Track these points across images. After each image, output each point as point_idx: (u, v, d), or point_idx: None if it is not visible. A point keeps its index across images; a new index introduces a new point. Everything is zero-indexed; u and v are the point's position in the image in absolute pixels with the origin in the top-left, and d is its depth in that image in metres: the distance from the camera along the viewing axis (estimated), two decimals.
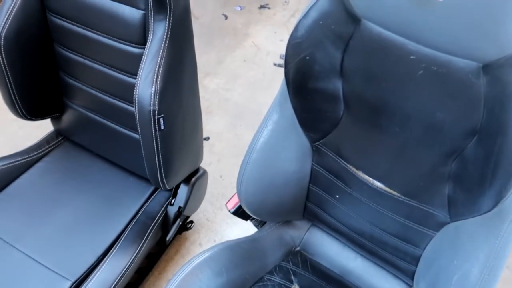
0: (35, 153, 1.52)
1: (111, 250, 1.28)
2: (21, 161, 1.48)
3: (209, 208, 1.83)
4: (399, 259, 1.09)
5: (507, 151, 0.73)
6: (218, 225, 1.79)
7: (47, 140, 1.57)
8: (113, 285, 1.22)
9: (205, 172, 1.55)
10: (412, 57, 0.75)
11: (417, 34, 0.73)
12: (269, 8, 2.95)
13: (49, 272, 1.23)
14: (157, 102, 1.10)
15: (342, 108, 0.95)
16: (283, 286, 1.17)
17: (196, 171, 1.50)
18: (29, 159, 1.50)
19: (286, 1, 3.00)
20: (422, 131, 0.85)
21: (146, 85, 1.09)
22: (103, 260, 1.26)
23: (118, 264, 1.26)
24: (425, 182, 0.93)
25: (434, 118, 0.81)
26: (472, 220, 0.87)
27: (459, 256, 0.87)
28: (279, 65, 2.51)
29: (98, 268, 1.24)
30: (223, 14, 2.88)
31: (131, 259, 1.28)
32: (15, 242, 1.28)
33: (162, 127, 1.14)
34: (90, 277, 1.21)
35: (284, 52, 2.53)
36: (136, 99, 1.11)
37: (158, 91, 1.10)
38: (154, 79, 1.09)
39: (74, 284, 1.22)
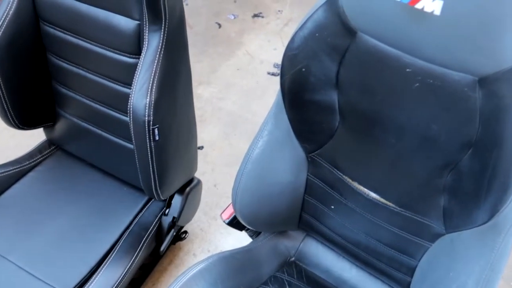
0: (27, 162, 1.51)
1: (105, 261, 1.27)
2: (13, 171, 1.47)
3: (203, 218, 1.82)
4: (394, 270, 1.09)
5: (502, 164, 0.73)
6: (212, 235, 1.78)
7: (39, 149, 1.56)
8: None
9: (199, 182, 1.54)
10: (408, 69, 0.75)
11: (413, 47, 0.73)
12: (262, 17, 2.96)
13: (42, 284, 1.22)
14: (152, 113, 1.10)
15: (338, 120, 0.95)
16: None
17: (190, 181, 1.49)
18: (21, 168, 1.48)
19: (279, 10, 3.01)
20: (417, 143, 0.85)
21: (140, 96, 1.09)
22: (97, 272, 1.24)
23: (112, 275, 1.24)
24: (420, 193, 0.93)
25: (429, 130, 0.81)
26: (467, 232, 0.87)
27: (455, 268, 0.87)
28: (273, 74, 2.51)
29: (91, 279, 1.22)
30: (216, 23, 2.88)
31: (125, 270, 1.27)
32: (7, 253, 1.27)
33: (157, 138, 1.13)
34: None
35: (278, 61, 2.55)
36: (131, 109, 1.11)
37: (153, 102, 1.09)
38: (149, 90, 1.09)
39: None
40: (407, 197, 0.96)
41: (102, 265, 1.26)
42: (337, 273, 1.24)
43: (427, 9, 0.67)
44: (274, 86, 2.43)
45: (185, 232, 1.67)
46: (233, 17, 2.95)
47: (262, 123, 1.06)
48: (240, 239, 1.74)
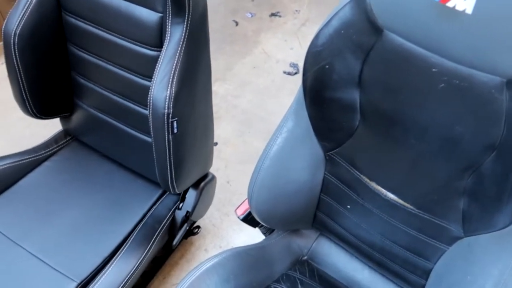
0: (42, 152, 1.52)
1: (118, 253, 1.27)
2: (28, 160, 1.47)
3: (216, 214, 1.82)
4: (409, 272, 1.08)
5: None
6: (224, 231, 1.78)
7: (55, 139, 1.56)
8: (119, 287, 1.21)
9: (214, 177, 1.54)
10: (434, 69, 0.75)
11: (441, 47, 0.72)
12: (280, 16, 2.95)
13: (55, 272, 1.23)
14: (171, 106, 1.10)
15: (358, 119, 0.95)
16: None
17: (205, 176, 1.49)
18: (36, 157, 1.49)
19: (297, 10, 3.00)
20: (439, 144, 0.84)
21: (161, 88, 1.09)
22: (110, 263, 1.25)
23: (125, 267, 1.25)
24: (439, 195, 0.92)
25: (452, 131, 0.81)
26: (486, 235, 0.86)
27: (472, 272, 0.86)
28: (289, 73, 2.51)
29: (104, 270, 1.23)
30: (234, 21, 2.89)
31: (138, 263, 1.27)
32: (21, 240, 1.28)
33: (175, 131, 1.13)
34: (96, 279, 1.21)
35: (294, 61, 2.54)
36: (151, 101, 1.11)
37: (173, 94, 1.09)
38: (170, 82, 1.09)
39: (80, 286, 1.21)
40: (426, 199, 0.95)
41: (115, 256, 1.26)
42: (349, 274, 1.23)
43: (459, 8, 0.66)
44: (289, 86, 2.42)
45: (198, 227, 1.67)
46: (250, 16, 2.95)
47: (281, 120, 1.06)
48: (253, 236, 1.73)
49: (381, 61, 0.82)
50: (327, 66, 0.88)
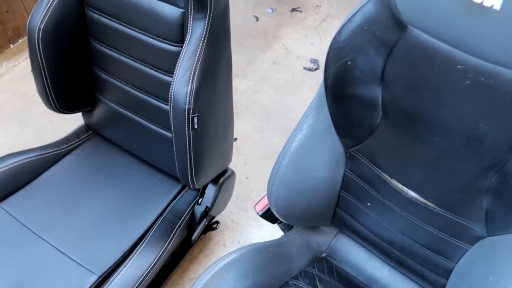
0: (65, 146, 1.53)
1: (138, 247, 1.29)
2: (51, 153, 1.50)
3: (234, 210, 1.83)
4: (429, 271, 1.07)
5: None
6: (243, 227, 1.78)
7: (77, 133, 1.58)
8: (139, 281, 1.22)
9: (233, 173, 1.54)
10: (459, 66, 0.73)
11: (467, 43, 0.71)
12: (300, 11, 2.94)
13: (76, 265, 1.24)
14: (192, 101, 1.10)
15: (380, 116, 0.94)
16: None
17: (225, 171, 1.50)
18: (59, 151, 1.51)
19: (318, 6, 2.98)
20: (463, 142, 0.83)
21: (182, 84, 1.09)
22: (130, 256, 1.26)
23: (145, 261, 1.26)
24: (462, 194, 0.91)
25: (477, 129, 0.79)
26: (510, 235, 0.84)
27: (495, 272, 0.84)
28: (309, 69, 2.50)
29: (124, 264, 1.24)
30: (254, 16, 2.88)
31: (157, 257, 1.28)
32: (43, 233, 1.30)
33: (196, 126, 1.14)
34: (116, 273, 1.22)
35: (314, 57, 2.53)
36: (172, 97, 1.11)
37: (194, 90, 1.09)
38: (191, 78, 1.09)
39: (100, 279, 1.23)
40: (448, 198, 0.94)
41: (135, 250, 1.28)
42: (368, 271, 1.22)
43: (486, 3, 0.65)
44: (310, 81, 2.41)
45: (217, 222, 1.68)
46: (271, 11, 2.95)
47: (302, 116, 1.05)
48: (271, 232, 1.74)
49: (405, 57, 0.81)
50: (349, 63, 0.87)
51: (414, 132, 0.90)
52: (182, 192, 1.46)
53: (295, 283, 1.17)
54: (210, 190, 1.46)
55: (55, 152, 1.51)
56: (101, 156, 1.54)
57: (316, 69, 2.50)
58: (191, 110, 1.11)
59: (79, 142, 1.57)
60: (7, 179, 1.40)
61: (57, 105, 1.43)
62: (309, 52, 2.62)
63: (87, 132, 1.60)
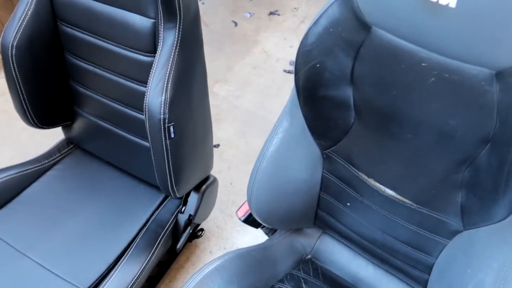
0: (46, 161, 1.53)
1: (122, 259, 1.28)
2: (32, 169, 1.49)
3: (220, 216, 1.83)
4: (411, 267, 1.08)
5: None
6: (229, 233, 1.78)
7: (58, 148, 1.58)
8: None
9: (215, 179, 1.54)
10: (423, 64, 0.74)
11: (429, 41, 0.72)
12: (278, 14, 2.95)
13: (61, 281, 1.24)
14: (167, 111, 1.10)
15: (353, 116, 0.94)
16: None
17: (207, 178, 1.50)
18: (40, 167, 1.51)
19: (295, 8, 3.00)
20: (434, 138, 0.84)
21: (156, 94, 1.09)
22: (114, 269, 1.26)
23: (129, 273, 1.25)
24: (437, 189, 0.92)
25: (446, 125, 0.80)
26: (486, 228, 0.85)
27: (473, 265, 0.86)
28: (289, 72, 2.51)
29: (109, 276, 1.24)
30: (232, 21, 2.89)
31: (142, 268, 1.28)
32: (27, 250, 1.29)
33: (172, 135, 1.14)
34: (101, 286, 1.21)
35: (294, 59, 2.53)
36: (146, 107, 1.11)
37: (168, 99, 1.10)
38: (164, 88, 1.09)
39: None
40: (425, 194, 0.95)
41: (119, 262, 1.27)
42: (353, 271, 1.23)
43: (442, 2, 0.66)
44: (290, 84, 2.41)
45: (202, 229, 1.68)
46: (249, 15, 2.95)
47: (277, 120, 1.06)
48: (257, 237, 1.74)
49: (372, 57, 0.82)
50: (318, 65, 0.88)
51: (387, 130, 0.90)
52: (165, 202, 1.46)
53: (281, 286, 1.18)
54: (193, 198, 1.46)
55: (36, 168, 1.50)
56: (83, 170, 1.53)
57: None
58: (166, 120, 1.11)
59: (60, 157, 1.56)
60: None
61: (35, 121, 1.42)
62: (288, 54, 2.63)
63: (68, 146, 1.59)
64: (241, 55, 2.63)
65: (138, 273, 1.26)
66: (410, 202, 0.98)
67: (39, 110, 1.41)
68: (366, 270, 1.22)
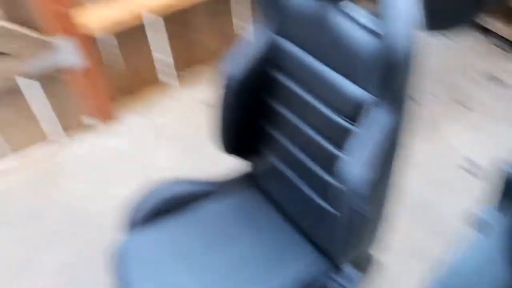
0: (225, 186, 1.63)
1: None
2: (208, 189, 1.60)
3: None
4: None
5: None
6: None
7: (240, 178, 1.67)
8: None
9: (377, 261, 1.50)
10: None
11: None
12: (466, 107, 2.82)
13: None
14: (368, 189, 1.11)
15: None
16: None
17: (369, 257, 1.46)
18: (217, 189, 1.62)
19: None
20: None
21: (358, 166, 1.10)
22: None
23: None
24: None
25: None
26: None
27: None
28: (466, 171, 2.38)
29: None
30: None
31: None
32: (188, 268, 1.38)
33: (365, 213, 1.14)
34: None
35: (475, 159, 2.36)
36: (346, 177, 1.12)
37: (371, 179, 1.10)
38: (369, 164, 1.10)
39: None
40: None
41: None
42: None
43: None
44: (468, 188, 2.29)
45: None
46: (433, 97, 2.88)
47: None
48: None
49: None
50: None
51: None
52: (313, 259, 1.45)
53: None
54: (351, 272, 1.42)
55: (213, 189, 1.61)
56: (254, 207, 1.60)
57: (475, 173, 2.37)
58: (367, 198, 1.11)
59: (239, 186, 1.65)
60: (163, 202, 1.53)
61: (224, 145, 1.54)
62: (468, 152, 2.48)
63: (249, 181, 1.66)
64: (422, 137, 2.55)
65: None
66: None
67: (230, 138, 1.53)
68: None
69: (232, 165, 1.67)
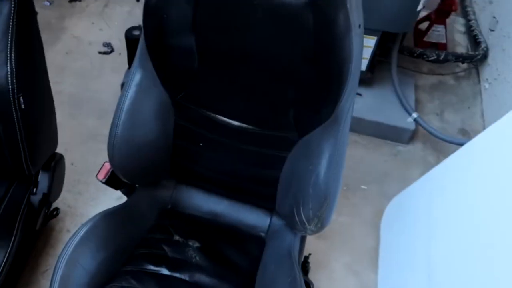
0: None
1: None
2: None
3: (68, 196, 1.82)
4: (261, 186, 1.27)
5: (335, 65, 0.94)
6: (82, 209, 1.79)
7: None
8: None
9: (62, 156, 1.55)
10: (255, 1, 0.92)
11: None
12: (80, 1, 2.91)
13: None
14: (15, 81, 1.10)
15: (197, 62, 1.08)
16: (165, 239, 1.26)
17: (53, 155, 1.50)
18: None
19: None
20: (267, 66, 1.03)
21: (1, 64, 1.08)
22: None
23: None
24: (273, 111, 1.12)
25: (274, 52, 0.99)
26: (316, 131, 1.07)
27: (312, 162, 1.07)
28: (104, 53, 2.52)
29: None
30: None
31: (5, 258, 1.24)
32: None
33: (23, 106, 1.14)
34: None
35: (106, 40, 2.55)
36: None
37: (14, 69, 1.10)
38: (8, 58, 1.09)
39: None
40: (264, 118, 1.14)
41: None
42: (210, 208, 1.38)
43: None
44: (109, 64, 2.45)
45: (57, 208, 1.66)
46: (48, 4, 2.85)
47: (129, 75, 1.13)
48: (110, 205, 1.77)
49: (212, 3, 0.97)
50: (165, 16, 1.00)
51: (230, 69, 1.07)
52: (12, 188, 1.41)
53: (152, 236, 1.27)
54: (43, 177, 1.44)
55: None
56: None
57: (111, 51, 2.54)
58: (15, 90, 1.11)
59: None
60: None
61: None
62: (99, 37, 2.62)
63: None
64: (50, 43, 2.54)
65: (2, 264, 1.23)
66: (254, 127, 1.16)
67: None
68: (221, 204, 1.38)
69: None
